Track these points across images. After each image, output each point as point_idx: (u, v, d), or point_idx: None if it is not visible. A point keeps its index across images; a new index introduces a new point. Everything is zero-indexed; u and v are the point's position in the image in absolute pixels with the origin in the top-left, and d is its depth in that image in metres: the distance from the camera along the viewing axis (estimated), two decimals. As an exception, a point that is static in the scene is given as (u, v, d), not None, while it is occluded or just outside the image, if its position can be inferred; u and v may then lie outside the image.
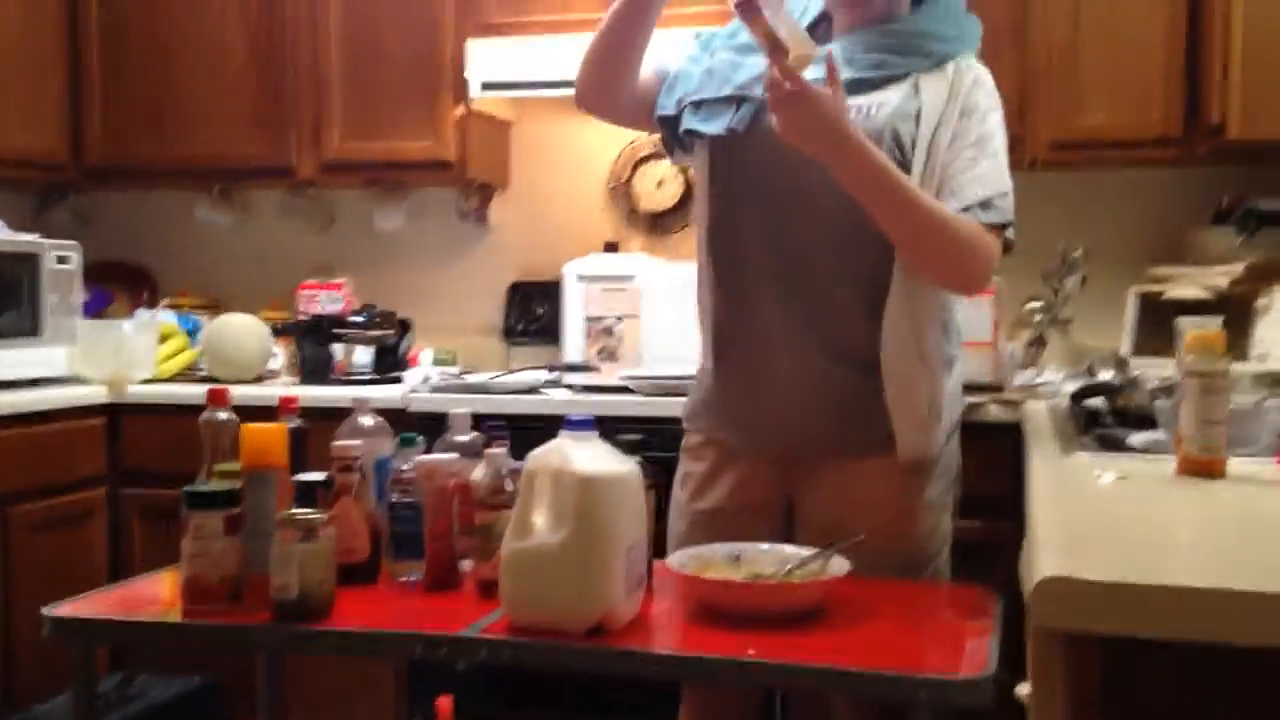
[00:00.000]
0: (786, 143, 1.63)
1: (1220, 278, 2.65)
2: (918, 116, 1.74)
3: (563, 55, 2.99)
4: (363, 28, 3.23)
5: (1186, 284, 2.74)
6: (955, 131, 1.75)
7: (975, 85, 1.78)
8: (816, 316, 1.79)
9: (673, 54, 1.94)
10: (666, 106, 1.90)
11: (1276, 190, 2.83)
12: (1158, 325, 2.62)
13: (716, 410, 1.92)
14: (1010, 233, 1.76)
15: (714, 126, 1.82)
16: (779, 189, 1.80)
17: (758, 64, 1.78)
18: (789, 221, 1.80)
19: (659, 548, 1.71)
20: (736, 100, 1.81)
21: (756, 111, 1.77)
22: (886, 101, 1.76)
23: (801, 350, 1.80)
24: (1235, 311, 2.49)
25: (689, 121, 1.85)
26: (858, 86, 1.76)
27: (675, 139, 1.90)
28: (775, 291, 1.80)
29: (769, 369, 1.82)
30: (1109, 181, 3.06)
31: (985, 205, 1.72)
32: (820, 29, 1.89)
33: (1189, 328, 1.56)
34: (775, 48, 1.58)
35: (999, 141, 1.78)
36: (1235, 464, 1.47)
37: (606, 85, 1.91)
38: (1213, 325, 1.56)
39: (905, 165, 1.72)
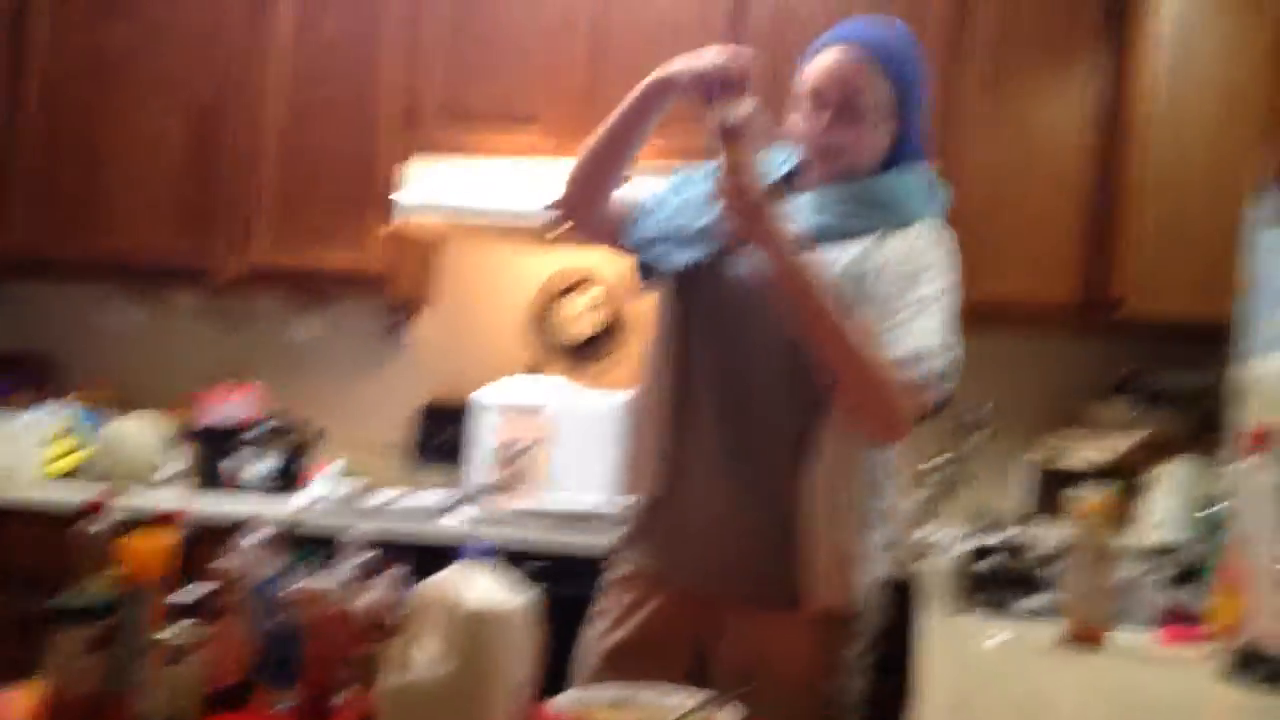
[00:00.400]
0: (733, 230, 1.67)
1: (1114, 449, 2.74)
2: (871, 270, 1.78)
3: (498, 181, 3.05)
4: (303, 135, 3.26)
5: (1081, 452, 2.82)
6: (901, 290, 1.77)
7: (931, 248, 1.82)
8: (751, 456, 1.80)
9: (645, 187, 1.98)
10: (645, 229, 1.93)
11: (1172, 366, 2.95)
12: (1052, 490, 2.68)
13: (645, 541, 1.90)
14: (940, 391, 1.78)
15: (681, 258, 1.85)
16: (735, 325, 1.82)
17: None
18: (739, 357, 1.81)
19: (554, 685, 1.66)
20: (705, 235, 1.84)
21: (724, 247, 1.81)
22: (845, 251, 1.78)
23: (733, 488, 1.80)
24: (1128, 483, 2.57)
25: (660, 250, 1.88)
26: (822, 234, 1.80)
27: (645, 270, 1.93)
28: (717, 426, 1.81)
29: (697, 504, 1.82)
30: (1015, 346, 3.16)
31: (914, 360, 1.74)
32: (795, 183, 1.93)
33: (1081, 496, 1.60)
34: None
35: (943, 303, 1.80)
36: (1119, 635, 1.49)
37: (594, 193, 1.93)
38: (1104, 495, 1.60)
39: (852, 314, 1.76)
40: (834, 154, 1.84)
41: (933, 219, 1.87)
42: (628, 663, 1.83)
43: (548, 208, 2.00)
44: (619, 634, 1.89)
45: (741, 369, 1.82)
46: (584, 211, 1.96)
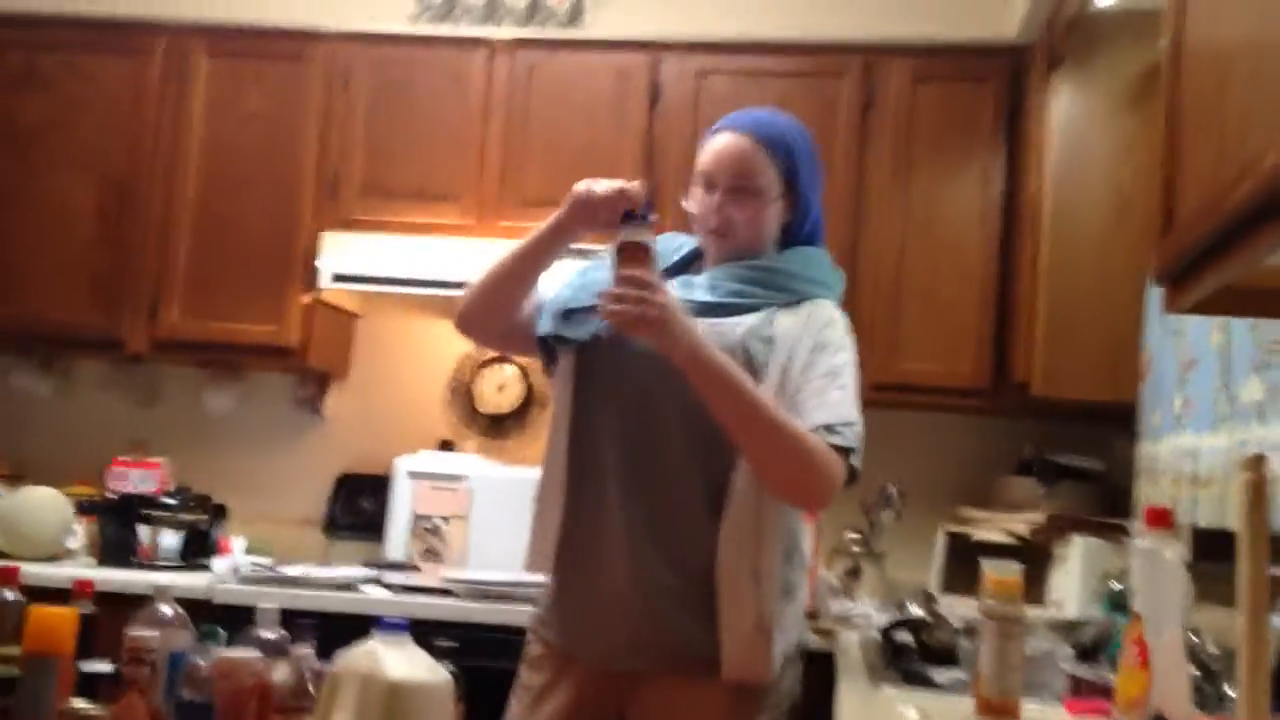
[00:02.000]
0: (632, 336, 1.70)
1: (1021, 524, 2.81)
2: (771, 340, 1.82)
3: (417, 255, 3.06)
4: (220, 205, 3.24)
5: (991, 527, 2.89)
6: (806, 363, 1.82)
7: (830, 324, 1.87)
8: (661, 525, 1.81)
9: (550, 283, 2.02)
10: (545, 326, 1.95)
11: (1074, 446, 3.05)
12: (965, 564, 2.74)
13: (554, 619, 1.90)
14: (855, 460, 1.82)
15: (580, 332, 1.87)
16: (638, 395, 1.84)
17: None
18: (644, 428, 1.83)
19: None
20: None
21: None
22: (742, 323, 1.83)
23: (641, 560, 1.80)
24: (1036, 557, 2.64)
25: (558, 328, 1.91)
26: (716, 309, 1.84)
27: (550, 357, 1.95)
28: (623, 499, 1.82)
29: (608, 578, 1.82)
30: (924, 424, 3.24)
31: (830, 429, 1.79)
32: (693, 266, 1.99)
33: (989, 571, 1.63)
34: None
35: (849, 377, 1.85)
36: (1029, 708, 1.53)
37: (493, 314, 1.97)
38: (1013, 570, 1.64)
39: (756, 382, 1.78)
40: (725, 231, 1.89)
41: (827, 299, 1.92)
42: None
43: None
44: (540, 714, 1.87)
45: (647, 438, 1.84)
46: (490, 325, 1.99)
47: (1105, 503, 2.90)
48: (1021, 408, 2.97)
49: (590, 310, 1.87)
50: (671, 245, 2.00)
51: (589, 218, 1.82)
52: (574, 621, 1.87)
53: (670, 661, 1.80)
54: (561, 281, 1.99)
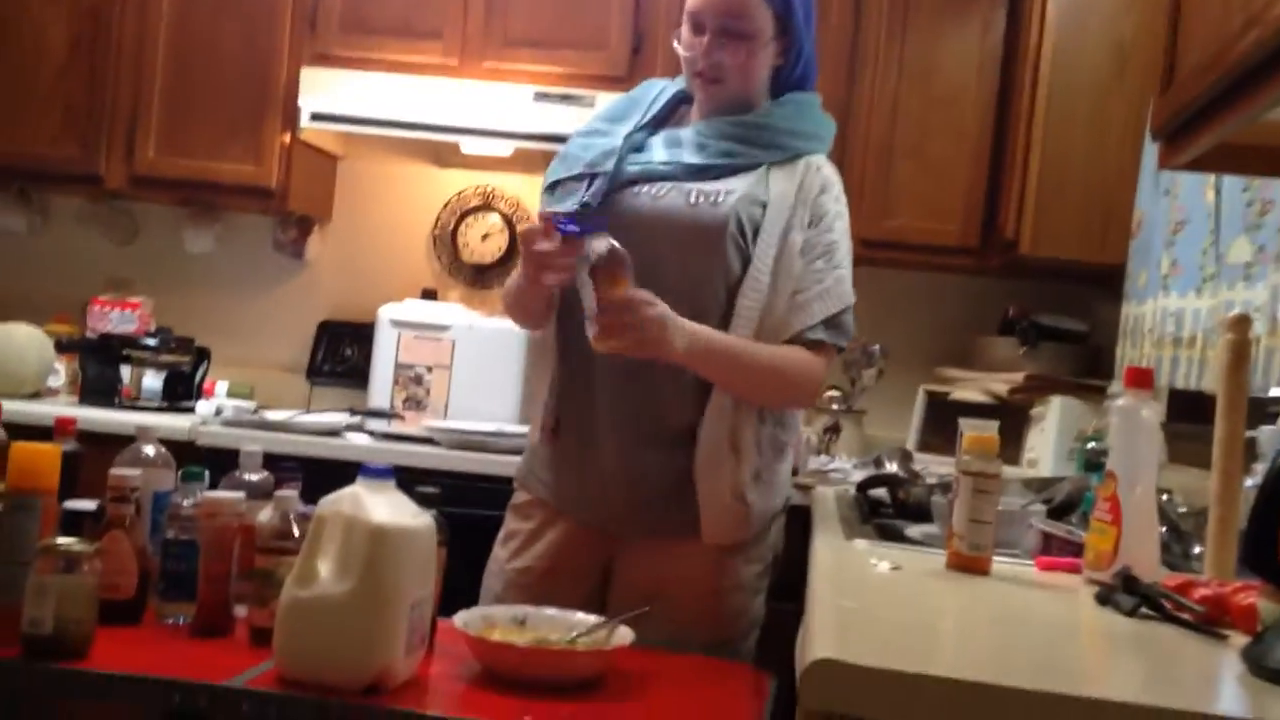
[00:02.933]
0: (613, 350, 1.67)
1: (1001, 384, 2.83)
2: (764, 206, 1.79)
3: (399, 95, 2.98)
4: (195, 38, 3.13)
5: (970, 387, 2.91)
6: (804, 240, 1.80)
7: (824, 190, 1.84)
8: (648, 399, 1.81)
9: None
10: (543, 200, 1.92)
11: (1059, 307, 3.06)
12: (943, 424, 2.77)
13: (545, 477, 1.92)
14: (844, 343, 1.84)
15: (567, 205, 1.82)
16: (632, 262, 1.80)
17: (606, 141, 1.84)
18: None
19: (448, 606, 1.67)
20: (588, 177, 1.83)
21: (609, 188, 1.80)
22: (734, 189, 1.80)
23: (629, 432, 1.82)
24: (1013, 417, 2.67)
25: (548, 203, 1.87)
26: (705, 172, 1.81)
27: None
28: (612, 372, 1.81)
29: (597, 447, 1.83)
30: (910, 282, 3.23)
31: (829, 324, 1.80)
32: (678, 114, 1.93)
33: (968, 429, 1.65)
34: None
35: (844, 249, 1.85)
36: (999, 563, 1.56)
37: (535, 322, 1.93)
38: (990, 429, 1.65)
39: (747, 255, 1.77)
40: (714, 77, 1.84)
41: (819, 153, 1.89)
42: (534, 586, 1.86)
43: None
44: (524, 559, 1.91)
45: None
46: (536, 326, 1.93)
47: (1086, 365, 2.92)
48: (1008, 267, 2.96)
49: (575, 179, 1.85)
50: (650, 93, 1.95)
51: (551, 271, 1.72)
52: (563, 487, 1.89)
53: (657, 524, 1.83)
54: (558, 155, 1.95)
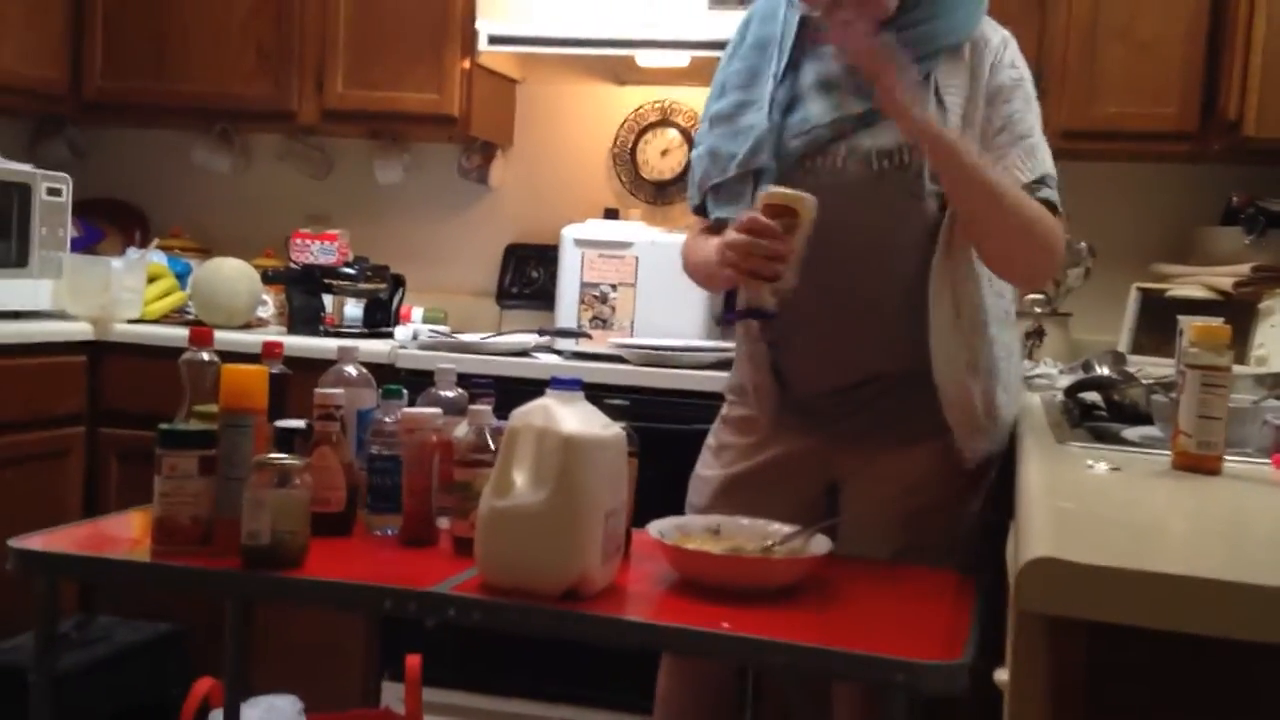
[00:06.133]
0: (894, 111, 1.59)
1: (1225, 278, 2.62)
2: (945, 109, 1.68)
3: (573, 12, 2.95)
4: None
5: (1190, 283, 2.71)
6: (985, 123, 1.69)
7: (996, 67, 1.72)
8: (871, 307, 1.75)
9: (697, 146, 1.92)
10: (693, 198, 1.88)
11: (1287, 193, 2.80)
12: (1158, 324, 2.59)
13: (761, 393, 1.87)
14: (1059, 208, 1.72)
15: (738, 210, 1.74)
16: (819, 240, 1.66)
17: (753, 126, 1.74)
18: (832, 268, 1.70)
19: (640, 519, 1.68)
20: (752, 175, 1.75)
21: (781, 181, 1.71)
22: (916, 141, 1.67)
23: (852, 344, 1.76)
24: (1238, 313, 2.46)
25: (714, 210, 1.81)
26: (872, 118, 1.69)
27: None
28: (822, 322, 1.76)
29: (817, 360, 1.79)
30: (1118, 174, 3.02)
31: (1039, 184, 1.69)
32: (809, 34, 1.79)
33: (1192, 323, 1.52)
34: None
35: (1032, 117, 1.72)
36: (1230, 463, 1.44)
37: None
38: (1215, 323, 1.52)
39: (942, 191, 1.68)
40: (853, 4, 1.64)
41: (978, 23, 1.73)
42: (748, 494, 1.83)
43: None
44: (741, 466, 1.88)
45: (842, 274, 1.72)
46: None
47: (1320, 253, 2.67)
48: (1231, 151, 2.72)
49: (737, 180, 1.75)
50: (773, 28, 1.78)
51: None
52: (789, 403, 1.85)
53: (891, 437, 1.79)
54: (699, 144, 1.87)
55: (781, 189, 1.63)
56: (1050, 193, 1.70)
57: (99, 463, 2.97)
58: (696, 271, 1.90)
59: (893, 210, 1.68)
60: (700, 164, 1.84)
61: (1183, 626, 0.86)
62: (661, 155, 3.37)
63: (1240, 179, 2.87)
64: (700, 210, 1.89)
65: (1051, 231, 1.67)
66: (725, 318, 1.74)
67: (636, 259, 2.98)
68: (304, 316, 3.04)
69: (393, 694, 2.66)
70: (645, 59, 3.07)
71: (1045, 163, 1.72)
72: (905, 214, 1.69)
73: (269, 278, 3.12)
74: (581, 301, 3.01)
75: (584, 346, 2.89)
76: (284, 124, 3.31)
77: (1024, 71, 1.74)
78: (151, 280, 3.13)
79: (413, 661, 2.15)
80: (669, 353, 2.72)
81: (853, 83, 1.71)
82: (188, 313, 3.14)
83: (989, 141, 1.69)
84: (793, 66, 1.77)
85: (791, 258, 1.60)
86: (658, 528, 1.59)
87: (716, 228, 1.82)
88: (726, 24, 1.92)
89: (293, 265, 3.12)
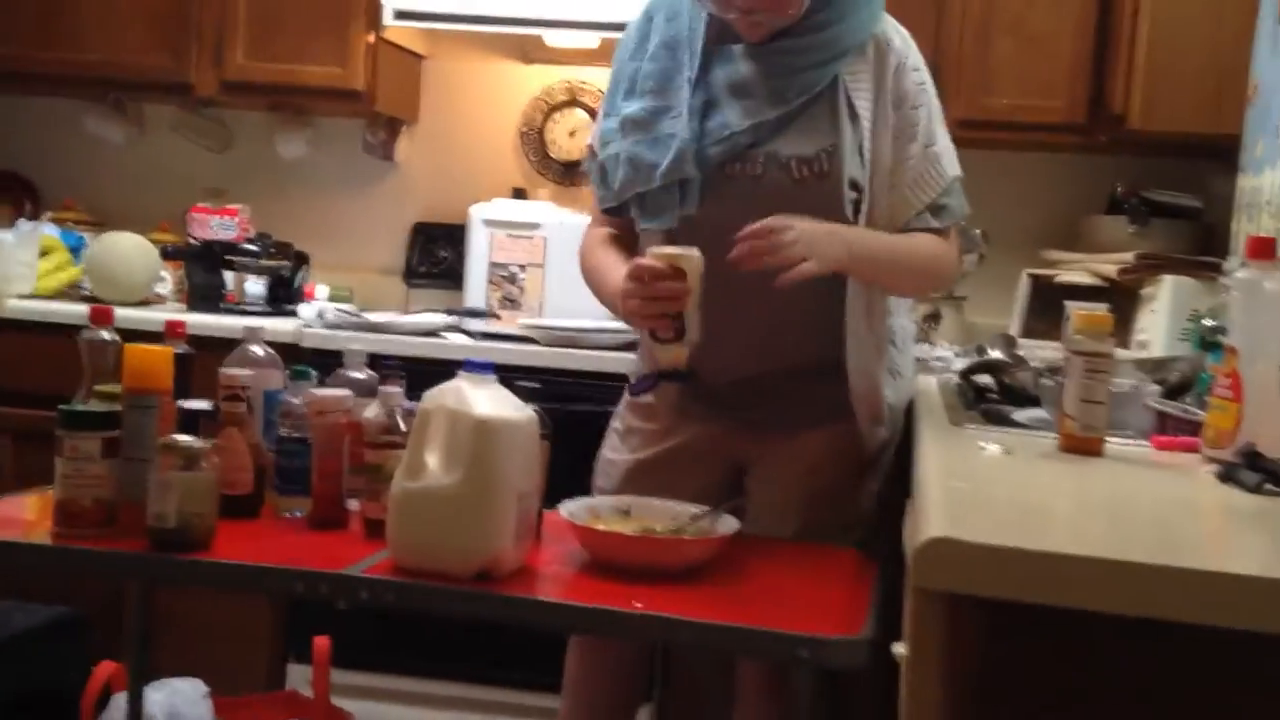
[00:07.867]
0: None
1: (1110, 265, 2.74)
2: (860, 149, 1.72)
3: (482, -8, 2.93)
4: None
5: (1077, 269, 2.82)
6: (894, 130, 1.74)
7: (900, 70, 1.76)
8: (779, 336, 1.81)
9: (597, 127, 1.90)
10: (607, 200, 1.85)
11: (1170, 183, 2.93)
12: (1048, 308, 2.70)
13: (668, 394, 1.89)
14: (954, 219, 1.82)
15: (665, 221, 1.75)
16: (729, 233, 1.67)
17: (674, 135, 1.73)
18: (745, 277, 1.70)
19: (550, 499, 1.70)
20: (678, 185, 1.74)
21: (702, 188, 1.73)
22: (831, 145, 1.72)
23: (763, 330, 1.80)
24: (1122, 299, 2.58)
25: (642, 222, 1.80)
26: (787, 121, 1.72)
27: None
28: (739, 319, 1.77)
29: (726, 347, 1.80)
30: (1011, 163, 3.12)
31: (935, 210, 1.77)
32: (714, 33, 1.79)
33: (1077, 309, 1.60)
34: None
35: (936, 123, 1.79)
36: (1113, 444, 1.52)
37: None
38: (1099, 309, 1.60)
39: (860, 189, 1.73)
40: (766, 5, 1.67)
41: (878, 22, 1.77)
42: (656, 478, 1.86)
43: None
44: (648, 452, 1.91)
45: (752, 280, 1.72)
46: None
47: (1199, 243, 2.81)
48: (1116, 143, 2.84)
49: (662, 190, 1.74)
50: (679, 30, 1.78)
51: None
52: (696, 388, 1.87)
53: (797, 417, 1.84)
54: (604, 137, 1.84)
55: (667, 249, 1.65)
56: (949, 208, 1.79)
57: (-9, 442, 2.88)
58: (599, 290, 1.88)
59: (812, 216, 1.71)
60: (621, 169, 1.80)
61: (1068, 602, 0.91)
62: (570, 135, 3.37)
63: (1125, 170, 2.99)
64: (614, 211, 1.88)
65: (943, 263, 1.81)
66: (635, 388, 1.77)
67: (545, 240, 2.99)
68: (204, 294, 2.98)
69: (299, 675, 2.64)
70: (554, 39, 3.07)
71: (950, 166, 1.78)
72: (824, 219, 1.73)
73: (167, 253, 3.05)
74: (490, 282, 3.01)
75: (493, 327, 2.89)
76: (181, 96, 3.23)
77: (926, 74, 1.80)
78: (44, 254, 3.04)
79: (321, 643, 2.14)
80: (579, 334, 2.74)
81: (765, 87, 1.74)
82: (83, 288, 3.06)
83: (900, 147, 1.74)
84: (703, 68, 1.78)
85: (690, 312, 1.63)
86: (568, 509, 1.62)
87: (621, 228, 1.87)
88: (635, 6, 1.93)
89: (192, 241, 3.05)
